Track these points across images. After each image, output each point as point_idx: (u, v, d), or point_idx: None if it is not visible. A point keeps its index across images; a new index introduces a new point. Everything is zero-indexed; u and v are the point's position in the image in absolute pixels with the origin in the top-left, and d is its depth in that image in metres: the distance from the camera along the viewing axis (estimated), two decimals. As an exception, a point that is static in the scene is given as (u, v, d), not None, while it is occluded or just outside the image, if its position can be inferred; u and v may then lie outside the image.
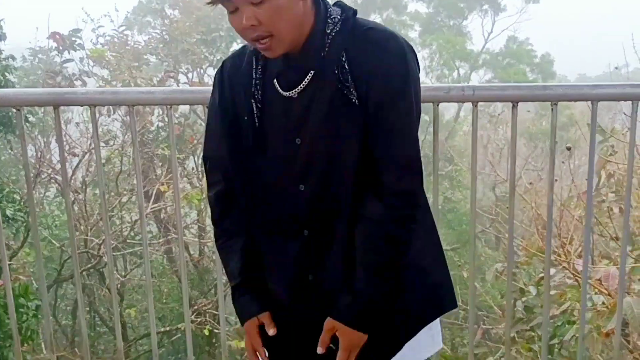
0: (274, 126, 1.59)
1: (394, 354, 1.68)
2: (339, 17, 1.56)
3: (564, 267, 4.40)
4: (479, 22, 20.82)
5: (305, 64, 1.55)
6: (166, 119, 8.84)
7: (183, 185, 9.86)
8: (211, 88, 1.70)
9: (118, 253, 9.28)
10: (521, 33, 20.31)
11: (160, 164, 9.98)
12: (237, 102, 1.62)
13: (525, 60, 19.54)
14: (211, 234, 9.05)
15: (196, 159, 10.11)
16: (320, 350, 1.55)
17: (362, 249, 1.56)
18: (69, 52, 10.35)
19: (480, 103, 2.34)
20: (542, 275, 4.13)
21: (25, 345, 6.78)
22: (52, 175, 9.52)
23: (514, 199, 2.48)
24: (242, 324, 1.71)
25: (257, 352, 1.69)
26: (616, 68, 7.24)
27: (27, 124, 8.41)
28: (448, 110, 16.80)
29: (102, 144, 9.55)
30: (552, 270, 4.14)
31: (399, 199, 1.55)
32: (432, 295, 1.73)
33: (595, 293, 3.84)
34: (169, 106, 2.50)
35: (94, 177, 9.38)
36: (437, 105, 2.31)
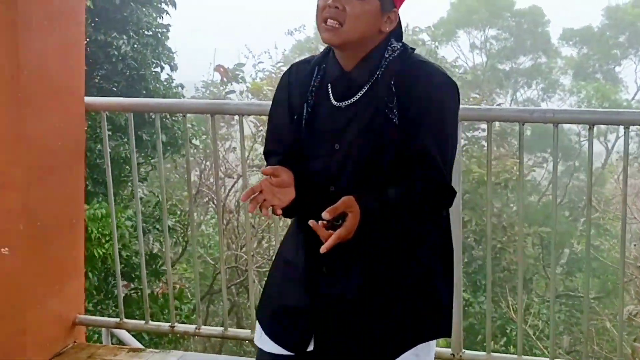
0: (318, 130, 1.73)
1: None
2: (398, 47, 1.72)
3: None
4: (633, 69, 19.82)
5: (359, 78, 1.70)
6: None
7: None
8: None
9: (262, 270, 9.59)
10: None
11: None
12: (293, 103, 1.77)
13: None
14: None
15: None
16: (327, 215, 1.51)
17: (401, 187, 1.63)
18: (231, 84, 11.01)
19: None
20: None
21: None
22: (210, 195, 10.13)
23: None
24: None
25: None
26: None
27: (193, 148, 8.97)
28: (599, 157, 16.10)
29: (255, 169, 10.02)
30: None
31: (434, 186, 1.65)
32: (432, 317, 1.77)
33: None
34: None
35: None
36: (523, 124, 2.56)
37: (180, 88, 9.59)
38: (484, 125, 12.74)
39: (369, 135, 1.66)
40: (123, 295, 7.83)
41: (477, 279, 10.20)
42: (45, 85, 2.69)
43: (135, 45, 8.36)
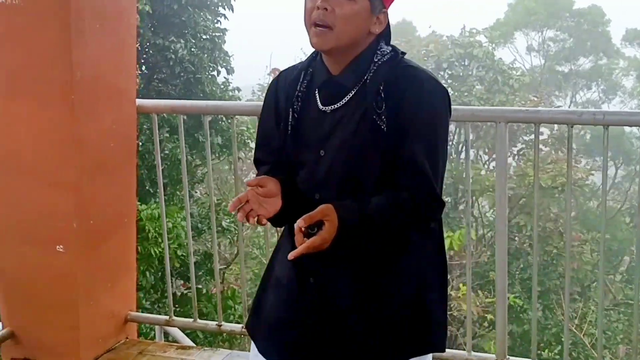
0: (305, 136, 1.68)
1: None
2: (388, 51, 1.65)
3: None
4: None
5: (347, 83, 1.63)
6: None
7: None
8: None
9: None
10: None
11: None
12: (280, 110, 1.73)
13: None
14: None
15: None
16: (301, 223, 1.47)
17: (385, 198, 1.57)
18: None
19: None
20: None
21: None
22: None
23: None
24: None
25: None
26: None
27: (249, 150, 9.04)
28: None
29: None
30: None
31: (422, 196, 1.58)
32: (427, 331, 1.72)
33: None
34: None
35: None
36: (572, 127, 2.49)
37: (236, 91, 9.70)
38: (543, 129, 12.55)
39: (355, 140, 1.61)
40: (179, 294, 7.98)
41: (532, 286, 9.95)
42: (97, 88, 2.73)
43: (193, 49, 8.49)
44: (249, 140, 8.81)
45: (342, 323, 1.68)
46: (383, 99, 1.59)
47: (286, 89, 1.73)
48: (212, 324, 3.23)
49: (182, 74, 8.44)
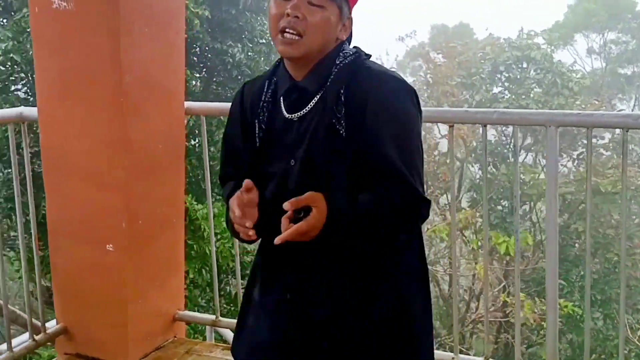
0: (273, 146, 1.62)
1: None
2: (350, 53, 1.61)
3: None
4: None
5: (310, 87, 1.58)
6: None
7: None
8: None
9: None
10: None
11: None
12: (245, 122, 1.67)
13: None
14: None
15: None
16: (287, 206, 1.39)
17: (376, 193, 1.50)
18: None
19: None
20: None
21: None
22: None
23: None
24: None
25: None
26: None
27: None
28: None
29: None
30: None
31: (405, 199, 1.51)
32: (411, 343, 1.65)
33: None
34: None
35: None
36: (627, 131, 2.39)
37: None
38: (604, 133, 12.15)
39: (318, 148, 1.54)
40: (234, 293, 8.02)
41: (591, 294, 9.67)
42: (147, 90, 2.77)
43: (250, 53, 8.57)
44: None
45: (322, 335, 1.61)
46: (343, 102, 1.54)
47: (251, 100, 1.68)
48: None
49: (239, 77, 8.53)
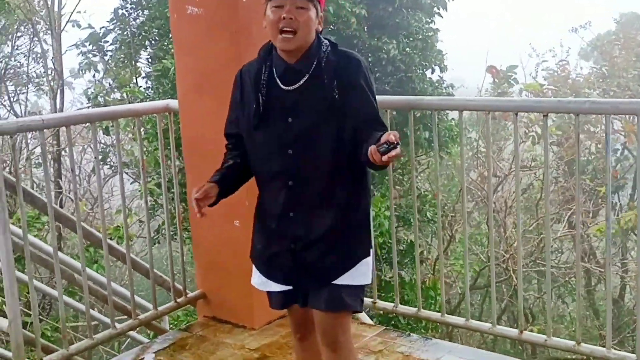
0: (274, 110, 2.24)
1: (345, 272, 2.30)
2: (328, 43, 2.27)
3: None
4: None
5: (303, 69, 2.23)
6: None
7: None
8: None
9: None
10: None
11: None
12: (248, 95, 2.29)
13: None
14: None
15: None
16: (392, 138, 1.90)
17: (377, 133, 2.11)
18: (505, 84, 10.79)
19: None
20: None
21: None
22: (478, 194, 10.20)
23: None
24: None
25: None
26: None
27: (466, 145, 9.05)
28: None
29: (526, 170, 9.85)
30: None
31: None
32: (366, 242, 2.39)
33: None
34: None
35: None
36: None
37: (450, 88, 9.71)
38: None
39: (317, 107, 2.21)
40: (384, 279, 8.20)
41: None
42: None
43: (406, 49, 8.68)
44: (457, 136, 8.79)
45: (315, 248, 2.29)
46: (333, 77, 2.21)
47: (251, 80, 2.30)
48: (412, 309, 3.53)
49: (395, 73, 8.68)
